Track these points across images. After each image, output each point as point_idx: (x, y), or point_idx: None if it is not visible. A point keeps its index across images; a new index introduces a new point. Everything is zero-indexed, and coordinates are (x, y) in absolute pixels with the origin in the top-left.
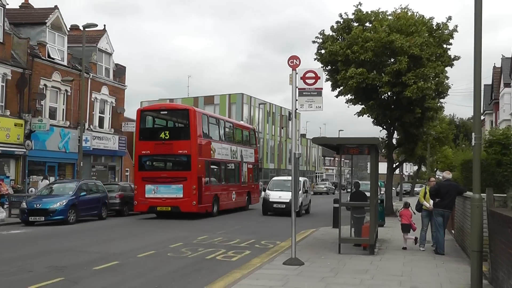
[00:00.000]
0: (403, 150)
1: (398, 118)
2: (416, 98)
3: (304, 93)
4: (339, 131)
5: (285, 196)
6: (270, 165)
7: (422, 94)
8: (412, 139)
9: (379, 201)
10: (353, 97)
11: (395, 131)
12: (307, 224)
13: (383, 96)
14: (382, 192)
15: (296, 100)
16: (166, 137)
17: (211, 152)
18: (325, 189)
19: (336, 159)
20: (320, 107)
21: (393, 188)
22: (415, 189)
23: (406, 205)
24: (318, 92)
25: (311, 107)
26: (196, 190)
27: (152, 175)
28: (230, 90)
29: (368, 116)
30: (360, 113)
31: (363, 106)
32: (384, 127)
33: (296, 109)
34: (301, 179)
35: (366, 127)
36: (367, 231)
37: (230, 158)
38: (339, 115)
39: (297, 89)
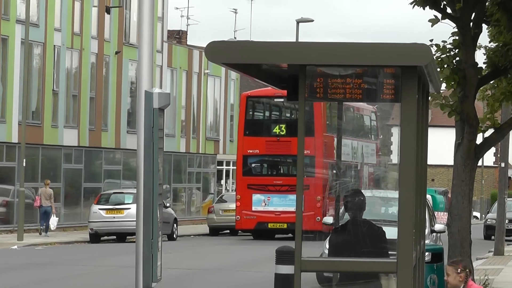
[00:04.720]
0: (509, 87)
1: None
2: None
3: None
4: (297, 22)
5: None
6: (63, 136)
7: None
8: None
9: (426, 254)
10: None
11: (483, 25)
12: None
13: None
14: (439, 226)
15: None
16: (281, 133)
17: (334, 151)
18: None
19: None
20: None
21: (476, 214)
22: None
23: (464, 267)
24: None
25: None
26: (321, 202)
27: (262, 182)
28: None
29: None
30: None
31: None
32: (450, 11)
33: None
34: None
35: (386, 16)
36: None
37: (351, 159)
38: None
39: None
